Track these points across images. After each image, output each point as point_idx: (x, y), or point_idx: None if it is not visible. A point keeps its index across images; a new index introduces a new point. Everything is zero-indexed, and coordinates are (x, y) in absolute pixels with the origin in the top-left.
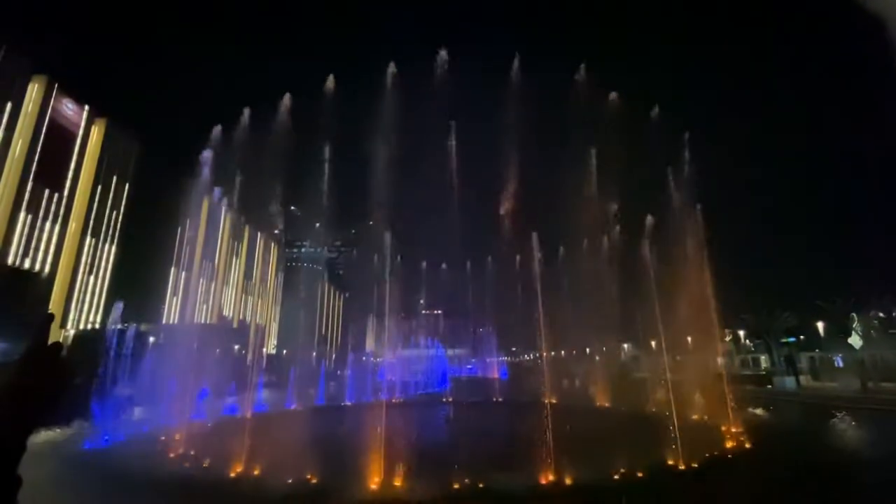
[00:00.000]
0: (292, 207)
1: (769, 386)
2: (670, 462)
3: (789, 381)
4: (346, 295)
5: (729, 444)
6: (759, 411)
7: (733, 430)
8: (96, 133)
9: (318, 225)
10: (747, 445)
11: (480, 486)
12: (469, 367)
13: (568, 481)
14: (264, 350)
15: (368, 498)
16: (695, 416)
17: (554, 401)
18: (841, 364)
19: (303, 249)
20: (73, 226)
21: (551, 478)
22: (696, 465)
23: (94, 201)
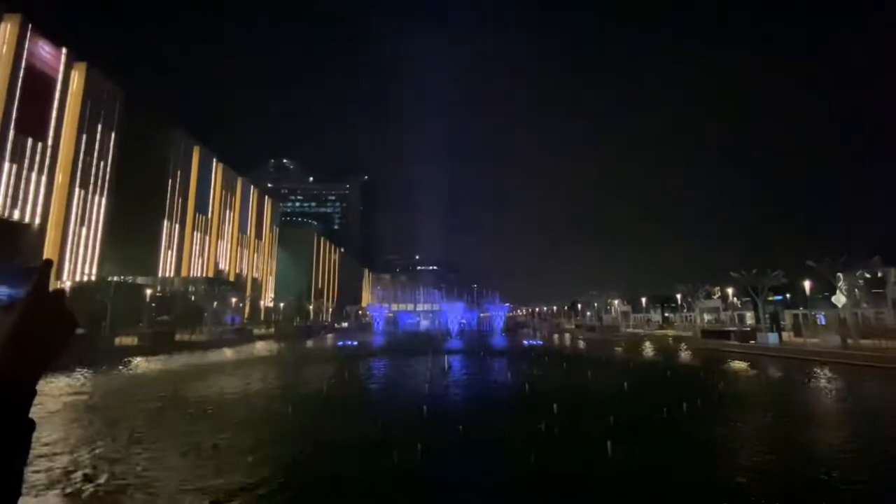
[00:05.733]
0: (285, 160)
1: (752, 341)
2: None
3: (772, 337)
4: (342, 249)
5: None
6: (736, 364)
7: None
8: (77, 78)
9: (311, 179)
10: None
11: None
12: (463, 321)
13: None
14: (261, 303)
15: None
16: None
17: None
18: (823, 321)
19: (297, 203)
20: (61, 177)
21: None
22: None
23: (80, 151)
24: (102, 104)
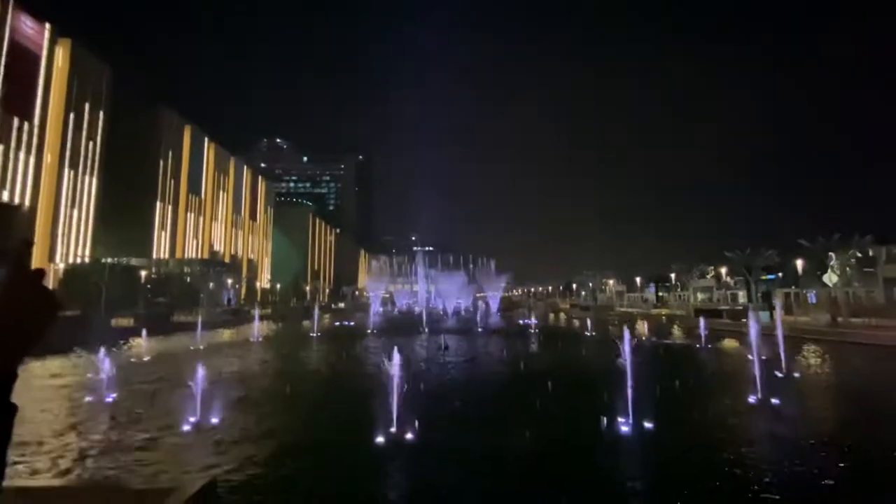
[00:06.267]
0: (278, 140)
1: (744, 319)
2: None
3: (763, 315)
4: (338, 230)
5: None
6: (726, 341)
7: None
8: (62, 55)
9: (305, 159)
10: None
11: None
12: (459, 301)
13: None
14: (258, 284)
15: None
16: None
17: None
18: (814, 300)
19: (291, 184)
20: (49, 157)
21: None
22: None
23: (67, 131)
24: (89, 82)
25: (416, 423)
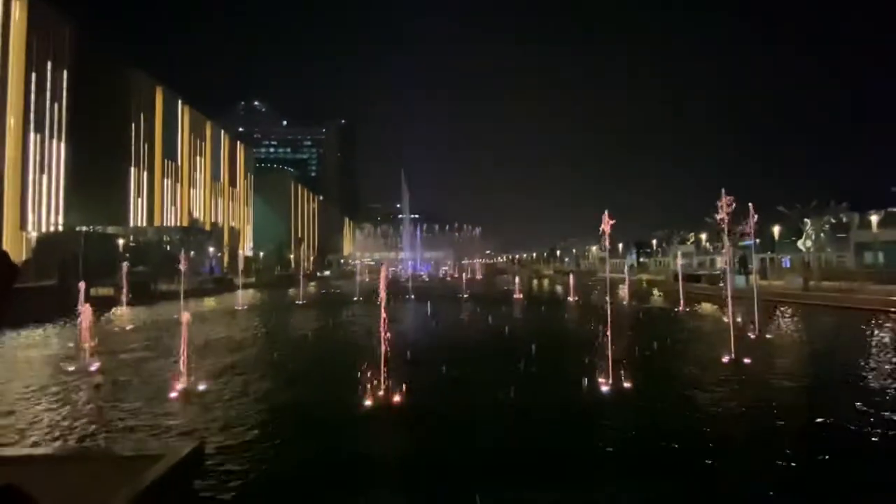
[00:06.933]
0: (256, 102)
1: (721, 284)
2: None
3: (739, 280)
4: (321, 197)
5: None
6: (704, 305)
7: None
8: (19, 10)
9: (285, 123)
10: None
11: None
12: (445, 268)
13: None
14: (240, 252)
15: None
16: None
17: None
18: (788, 265)
19: (270, 149)
20: (12, 120)
21: None
22: None
23: (30, 92)
24: (50, 40)
25: (404, 387)
